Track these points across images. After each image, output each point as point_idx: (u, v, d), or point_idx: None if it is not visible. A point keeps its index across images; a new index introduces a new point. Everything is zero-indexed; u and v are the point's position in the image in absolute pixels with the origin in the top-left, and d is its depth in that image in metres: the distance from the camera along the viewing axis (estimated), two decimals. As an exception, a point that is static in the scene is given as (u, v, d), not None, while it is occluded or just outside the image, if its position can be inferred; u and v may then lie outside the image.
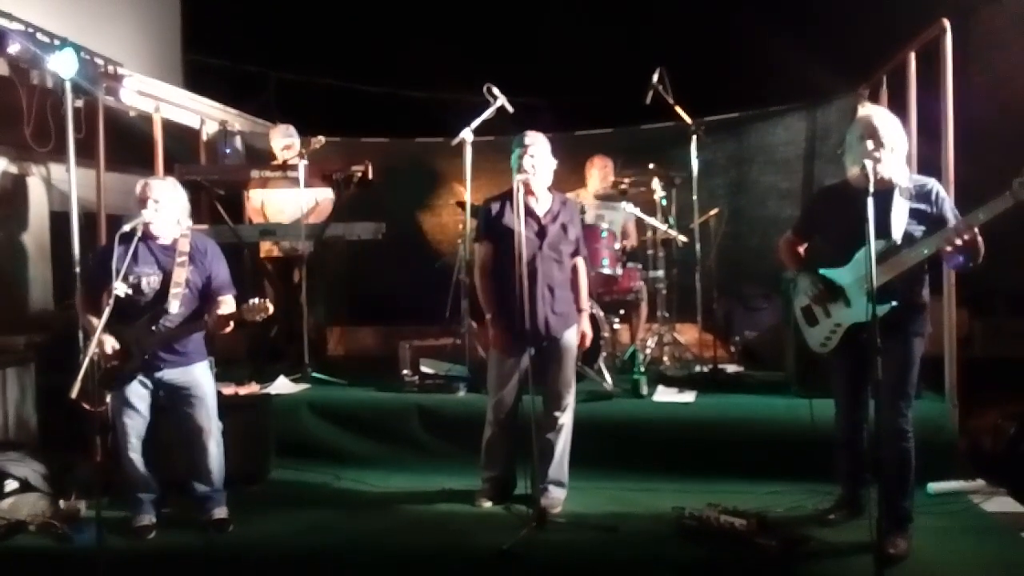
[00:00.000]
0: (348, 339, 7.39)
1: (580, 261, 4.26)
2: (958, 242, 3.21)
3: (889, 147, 3.33)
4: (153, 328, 3.84)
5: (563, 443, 4.15)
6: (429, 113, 7.72)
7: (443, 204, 7.39)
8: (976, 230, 3.21)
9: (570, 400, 4.16)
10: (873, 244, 3.02)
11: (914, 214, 3.38)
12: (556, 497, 4.13)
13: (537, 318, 4.01)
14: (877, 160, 3.24)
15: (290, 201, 5.78)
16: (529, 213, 4.05)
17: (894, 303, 3.30)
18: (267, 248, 6.13)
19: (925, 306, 3.51)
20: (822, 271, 3.58)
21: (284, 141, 6.05)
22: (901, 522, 3.53)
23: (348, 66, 8.49)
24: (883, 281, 3.22)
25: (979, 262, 3.33)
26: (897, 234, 3.34)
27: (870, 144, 3.31)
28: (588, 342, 4.28)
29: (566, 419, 4.14)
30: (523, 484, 4.20)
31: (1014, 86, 5.47)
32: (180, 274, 3.86)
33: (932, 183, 3.48)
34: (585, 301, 4.27)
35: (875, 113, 3.45)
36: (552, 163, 4.13)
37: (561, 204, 4.19)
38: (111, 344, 3.77)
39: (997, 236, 3.29)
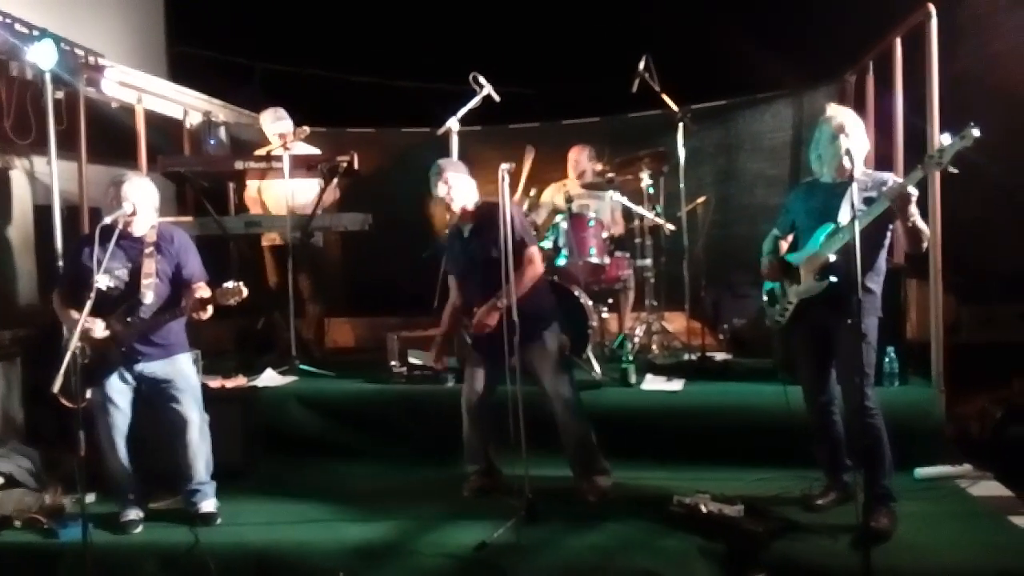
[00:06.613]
0: (336, 330, 7.35)
1: (529, 252, 4.06)
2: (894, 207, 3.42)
3: (852, 144, 3.55)
4: (128, 320, 3.81)
5: (579, 435, 4.14)
6: (415, 103, 7.66)
7: (430, 194, 7.31)
8: (914, 209, 3.37)
9: (568, 392, 4.13)
10: (858, 228, 3.24)
11: (864, 203, 3.56)
12: (599, 484, 4.12)
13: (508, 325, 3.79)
14: (848, 154, 3.48)
15: (295, 191, 5.64)
16: (461, 238, 4.23)
17: (834, 279, 3.57)
18: (270, 237, 6.01)
19: (872, 291, 3.63)
20: (785, 255, 3.88)
21: (276, 127, 5.94)
22: (882, 499, 3.59)
23: (334, 56, 8.42)
24: (823, 259, 3.58)
25: (922, 241, 3.52)
26: (843, 219, 3.57)
27: (841, 141, 3.56)
28: (489, 324, 3.99)
29: (569, 416, 4.12)
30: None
31: (1000, 70, 5.48)
32: (149, 264, 3.84)
33: (890, 176, 3.69)
34: (512, 294, 3.81)
35: (841, 113, 3.67)
36: (469, 183, 4.29)
37: (481, 216, 4.19)
38: (100, 329, 3.74)
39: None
